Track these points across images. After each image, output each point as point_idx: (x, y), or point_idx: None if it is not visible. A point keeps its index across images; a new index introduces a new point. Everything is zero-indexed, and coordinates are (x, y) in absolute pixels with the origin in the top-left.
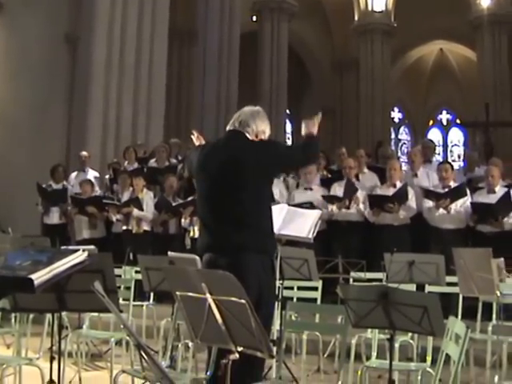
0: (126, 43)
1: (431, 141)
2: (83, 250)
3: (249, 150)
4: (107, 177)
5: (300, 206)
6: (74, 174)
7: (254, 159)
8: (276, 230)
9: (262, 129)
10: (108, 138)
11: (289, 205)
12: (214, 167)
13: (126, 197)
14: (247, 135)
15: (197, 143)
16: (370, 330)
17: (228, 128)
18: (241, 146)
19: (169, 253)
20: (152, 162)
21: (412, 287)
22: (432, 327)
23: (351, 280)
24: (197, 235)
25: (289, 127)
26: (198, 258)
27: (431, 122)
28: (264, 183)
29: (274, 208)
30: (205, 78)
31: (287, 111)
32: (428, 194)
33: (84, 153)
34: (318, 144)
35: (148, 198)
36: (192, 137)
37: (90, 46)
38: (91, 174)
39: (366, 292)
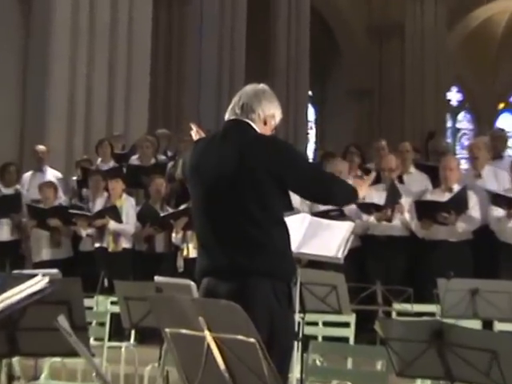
0: None
1: (502, 130)
2: (43, 275)
3: (257, 148)
4: (74, 178)
5: (326, 215)
6: (27, 175)
7: (263, 160)
8: (294, 247)
9: (270, 112)
10: (75, 128)
11: (312, 214)
12: (211, 170)
13: (99, 205)
14: (253, 125)
15: (196, 138)
16: (419, 381)
17: (227, 117)
18: (246, 142)
19: (155, 277)
20: (134, 159)
21: (476, 324)
22: (504, 379)
23: (394, 313)
24: (192, 255)
25: (311, 114)
26: (193, 283)
27: (501, 106)
28: (277, 188)
29: (293, 219)
30: (201, 47)
31: (309, 92)
32: (497, 199)
33: (41, 147)
34: (354, 198)
35: (128, 206)
36: (191, 132)
37: (50, 4)
38: (51, 175)
39: (413, 330)
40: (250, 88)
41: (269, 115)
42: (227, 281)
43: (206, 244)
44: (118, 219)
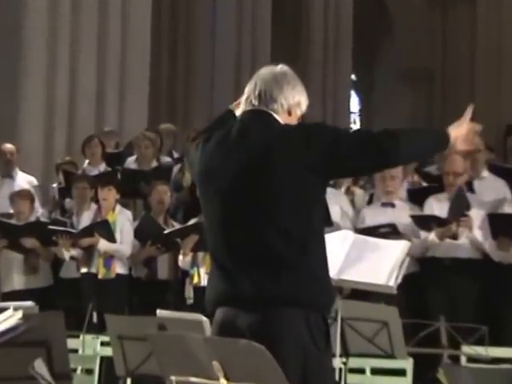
0: None
1: None
2: (14, 309)
3: (287, 141)
4: (54, 186)
5: (375, 232)
6: None
7: (297, 153)
8: (334, 272)
9: (295, 100)
10: (56, 122)
11: (356, 231)
12: (228, 174)
13: (86, 219)
14: (275, 116)
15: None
16: None
17: (242, 108)
18: (273, 136)
19: (158, 311)
20: (130, 162)
21: None
22: None
23: (463, 359)
24: (204, 282)
25: (355, 103)
26: (205, 319)
27: None
28: (312, 197)
29: (332, 237)
30: (215, 20)
31: (352, 77)
32: None
33: (8, 145)
34: (439, 141)
35: (124, 220)
36: None
37: None
38: (23, 181)
39: (490, 379)
40: (266, 71)
41: (293, 104)
42: (249, 312)
43: (221, 265)
44: (111, 237)
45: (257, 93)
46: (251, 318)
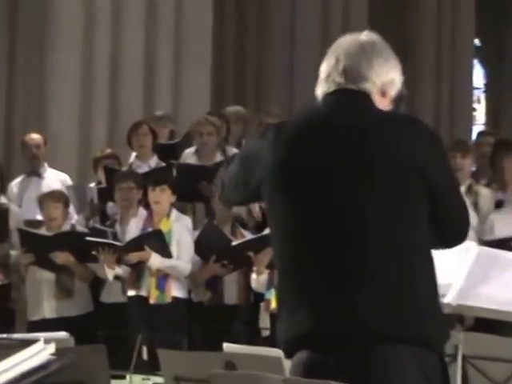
0: None
1: None
2: (45, 342)
3: (391, 130)
4: (93, 186)
5: (506, 245)
6: (16, 182)
7: (406, 149)
8: (452, 296)
9: (389, 77)
10: (94, 105)
11: (481, 243)
12: (316, 171)
13: (133, 228)
14: (371, 97)
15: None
16: None
17: (322, 90)
18: (373, 122)
19: (225, 345)
20: (188, 155)
21: None
22: None
23: None
24: None
25: (479, 76)
26: (283, 354)
27: None
28: (424, 193)
29: (450, 251)
30: None
31: (475, 41)
32: None
33: (35, 136)
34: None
35: (181, 229)
36: None
37: None
38: (54, 180)
39: None
40: (349, 41)
41: (387, 82)
42: (343, 350)
43: (302, 290)
44: (165, 251)
45: (340, 68)
46: (346, 356)
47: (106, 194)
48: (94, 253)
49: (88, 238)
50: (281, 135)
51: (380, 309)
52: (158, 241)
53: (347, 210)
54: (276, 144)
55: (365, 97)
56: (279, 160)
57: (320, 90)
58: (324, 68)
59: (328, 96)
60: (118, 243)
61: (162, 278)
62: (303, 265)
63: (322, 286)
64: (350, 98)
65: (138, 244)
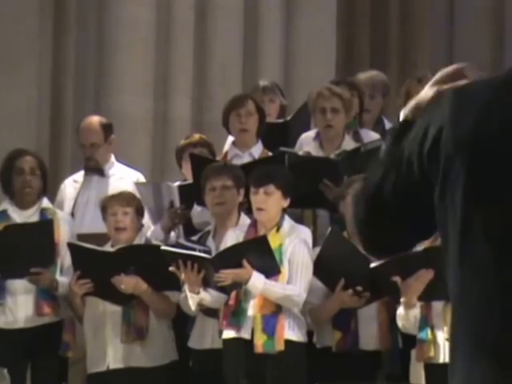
0: None
1: None
2: None
3: None
4: (175, 185)
5: None
6: (69, 182)
7: None
8: None
9: None
10: (172, 74)
11: None
12: None
13: (231, 242)
14: None
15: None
16: None
17: None
18: None
19: None
20: (305, 141)
21: None
22: None
23: None
24: (442, 356)
25: None
26: None
27: None
28: None
29: None
30: None
31: None
32: None
33: (94, 120)
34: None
35: (297, 245)
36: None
37: None
38: (122, 178)
39: None
40: None
41: None
42: None
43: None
44: (272, 270)
45: None
46: None
47: (192, 195)
48: (171, 269)
49: (164, 248)
50: (460, 101)
51: None
52: (262, 254)
53: None
54: (453, 112)
55: None
56: (459, 136)
57: None
58: None
59: None
60: (204, 255)
61: (271, 316)
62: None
63: None
64: None
65: (233, 257)
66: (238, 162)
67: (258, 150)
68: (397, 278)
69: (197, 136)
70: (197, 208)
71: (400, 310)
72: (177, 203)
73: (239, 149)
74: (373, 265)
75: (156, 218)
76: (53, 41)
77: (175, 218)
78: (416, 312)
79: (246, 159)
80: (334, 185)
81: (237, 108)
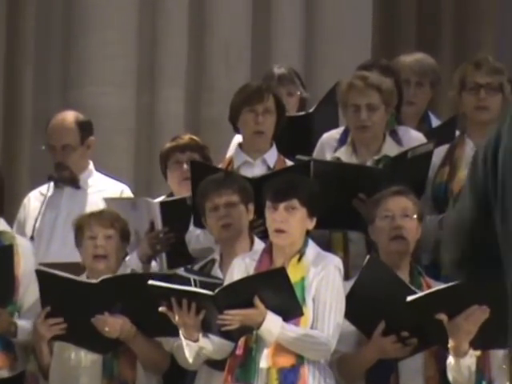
0: None
1: None
2: None
3: None
4: (157, 201)
5: None
6: (34, 196)
7: None
8: None
9: None
10: (158, 55)
11: None
12: None
13: (238, 272)
14: None
15: None
16: None
17: None
18: None
19: None
20: (328, 141)
21: None
22: None
23: None
24: None
25: None
26: None
27: None
28: None
29: None
30: None
31: None
32: None
33: (68, 117)
34: None
35: (324, 277)
36: None
37: None
38: (101, 191)
39: None
40: None
41: None
42: None
43: None
44: (293, 310)
45: None
46: None
47: (180, 214)
48: (161, 309)
49: (151, 283)
50: None
51: None
52: (279, 290)
53: None
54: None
55: None
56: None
57: None
58: None
59: None
60: (204, 291)
61: (290, 369)
62: None
63: None
64: None
65: (242, 293)
66: (248, 171)
67: (272, 157)
68: (442, 316)
69: (185, 137)
70: (195, 230)
71: (450, 359)
72: (158, 225)
73: (249, 154)
74: (410, 298)
75: (132, 243)
76: (6, 18)
77: (156, 244)
78: (470, 362)
79: (258, 168)
80: (373, 196)
81: (253, 103)
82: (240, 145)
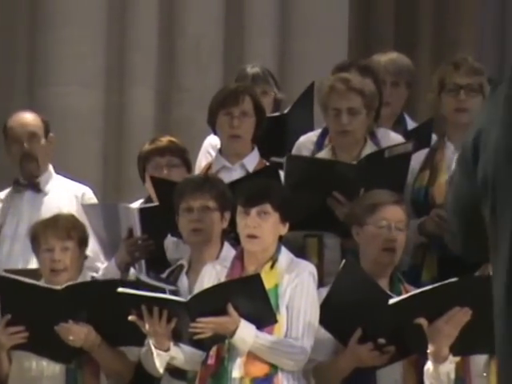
0: None
1: None
2: None
3: None
4: (135, 206)
5: None
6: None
7: None
8: None
9: None
10: (127, 49)
11: None
12: None
13: (210, 280)
14: None
15: None
16: None
17: None
18: None
19: None
20: (309, 142)
21: None
22: None
23: None
24: None
25: None
26: None
27: None
28: None
29: None
30: None
31: None
32: None
33: (26, 118)
34: None
35: (298, 284)
36: None
37: None
38: (61, 194)
39: None
40: None
41: None
42: None
43: None
44: (266, 318)
45: None
46: None
47: (159, 221)
48: (131, 318)
49: (121, 290)
50: (495, 104)
51: None
52: (253, 297)
53: None
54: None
55: None
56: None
57: None
58: None
59: None
60: (177, 298)
61: (264, 379)
62: None
63: None
64: None
65: (215, 301)
66: (226, 176)
67: (252, 161)
68: (422, 320)
69: (164, 140)
70: (171, 239)
71: (428, 366)
72: (137, 231)
73: (228, 159)
74: (392, 301)
75: (109, 250)
76: None
77: (135, 251)
78: (449, 368)
79: (237, 173)
80: (348, 199)
81: (228, 106)
82: (219, 150)
